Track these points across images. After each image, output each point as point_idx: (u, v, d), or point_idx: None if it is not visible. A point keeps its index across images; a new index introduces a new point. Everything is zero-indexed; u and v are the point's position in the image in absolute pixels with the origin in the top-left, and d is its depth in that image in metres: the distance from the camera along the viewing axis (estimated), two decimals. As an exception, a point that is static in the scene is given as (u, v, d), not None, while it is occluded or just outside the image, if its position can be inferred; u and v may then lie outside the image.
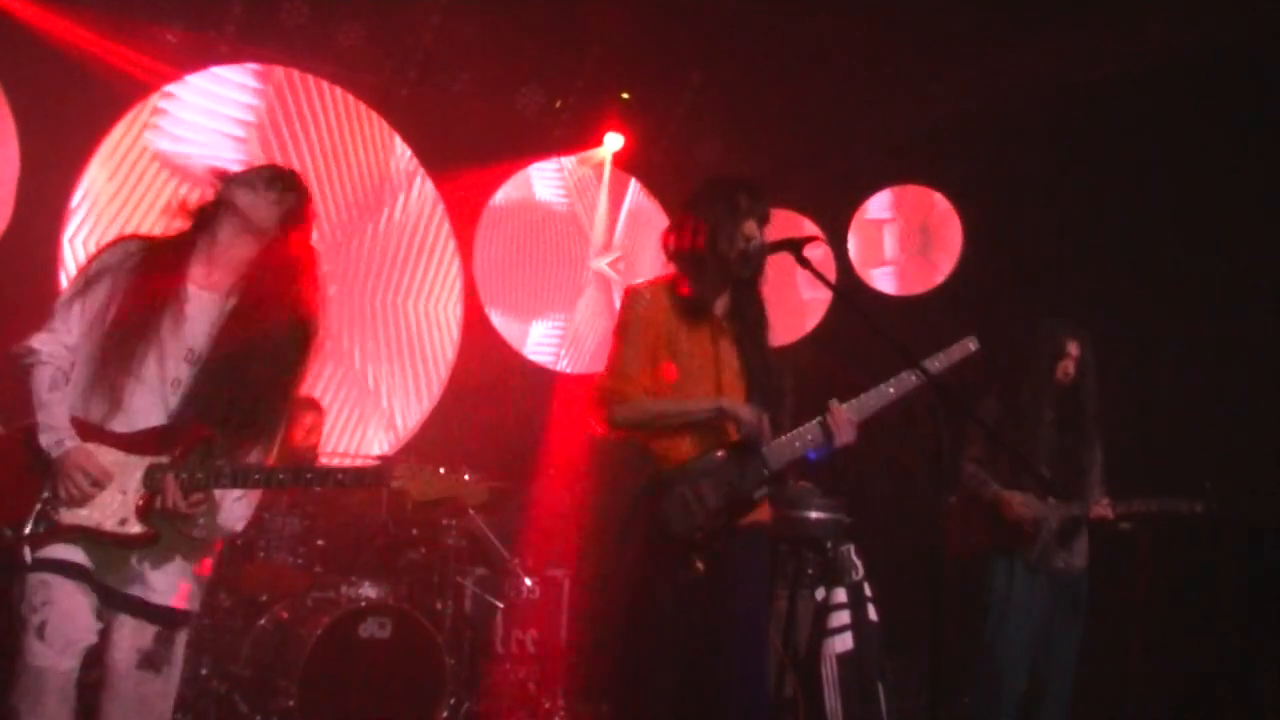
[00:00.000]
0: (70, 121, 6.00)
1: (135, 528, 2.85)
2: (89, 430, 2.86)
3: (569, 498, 6.48)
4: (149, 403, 2.90)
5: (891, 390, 3.37)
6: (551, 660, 6.19)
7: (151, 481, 2.87)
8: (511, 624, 6.13)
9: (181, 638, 3.00)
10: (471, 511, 5.82)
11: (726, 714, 3.28)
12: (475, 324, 7.45)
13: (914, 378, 3.30)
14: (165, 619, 2.94)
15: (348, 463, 6.39)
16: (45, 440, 2.82)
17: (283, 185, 3.08)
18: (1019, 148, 6.82)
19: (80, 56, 5.98)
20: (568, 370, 7.77)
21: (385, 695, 5.03)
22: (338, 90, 6.95)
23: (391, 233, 7.20)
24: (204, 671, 4.98)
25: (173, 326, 2.91)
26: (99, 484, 2.83)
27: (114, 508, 2.84)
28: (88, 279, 2.96)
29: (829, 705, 4.91)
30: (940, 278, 7.51)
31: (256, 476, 2.93)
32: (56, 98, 5.92)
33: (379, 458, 6.37)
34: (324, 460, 6.19)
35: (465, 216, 7.49)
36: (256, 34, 6.49)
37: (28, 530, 2.80)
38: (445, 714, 5.20)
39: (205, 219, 3.03)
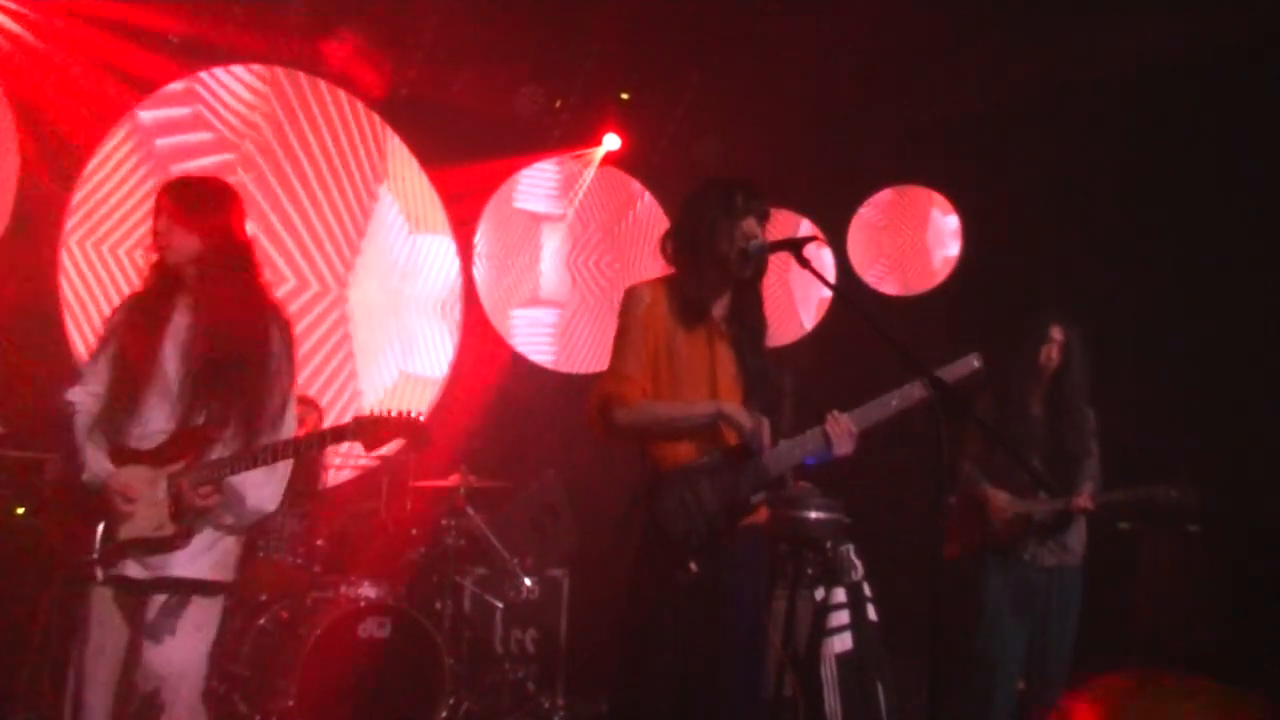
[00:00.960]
0: (70, 122, 6.00)
1: (169, 529, 3.22)
2: (125, 454, 3.24)
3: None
4: (160, 418, 3.25)
5: (894, 402, 3.36)
6: (551, 660, 6.20)
7: (171, 487, 3.22)
8: (511, 624, 6.13)
9: (194, 607, 3.28)
10: (471, 511, 5.83)
11: (723, 713, 3.28)
12: (475, 324, 7.46)
13: (916, 392, 3.29)
14: (172, 587, 3.25)
15: (351, 461, 6.39)
16: (87, 479, 3.23)
17: (195, 210, 3.32)
18: (1019, 148, 6.82)
19: (80, 58, 5.98)
20: (566, 370, 7.78)
21: (385, 695, 5.03)
22: (338, 90, 6.95)
23: (390, 233, 7.20)
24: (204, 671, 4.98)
25: (168, 349, 3.27)
26: (133, 500, 3.19)
27: (151, 517, 3.21)
28: (105, 334, 3.38)
29: (829, 705, 4.91)
30: (940, 278, 7.51)
31: (241, 459, 3.22)
32: (56, 99, 5.92)
33: (379, 458, 6.37)
34: (334, 471, 6.21)
35: (465, 216, 7.50)
36: (256, 34, 6.49)
37: (96, 553, 3.20)
38: (445, 714, 5.20)
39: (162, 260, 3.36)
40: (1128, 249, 6.36)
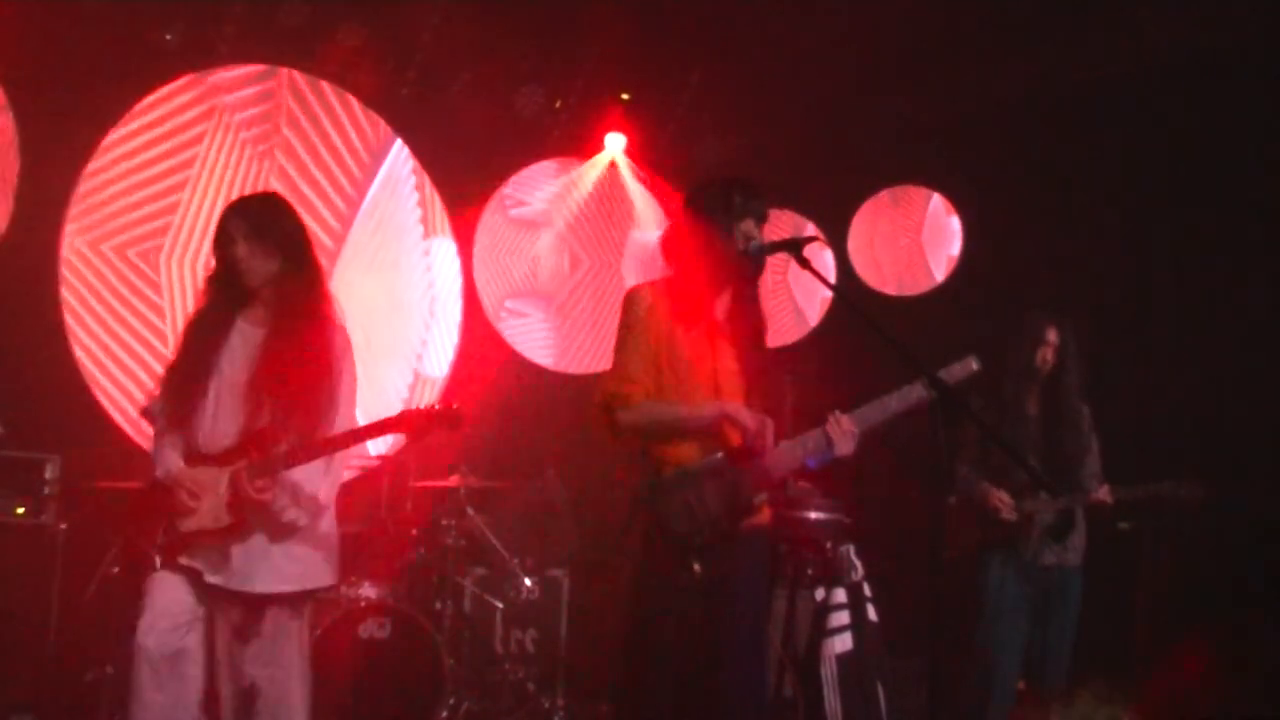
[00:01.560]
0: (70, 121, 6.00)
1: (226, 520, 3.39)
2: (195, 458, 3.44)
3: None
4: (229, 423, 3.43)
5: (894, 403, 3.37)
6: (551, 660, 6.20)
7: (232, 481, 3.38)
8: (511, 624, 6.13)
9: (281, 619, 3.49)
10: (471, 511, 5.83)
11: (724, 714, 3.28)
12: (475, 324, 7.45)
13: (916, 393, 3.30)
14: (255, 603, 3.45)
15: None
16: (160, 475, 3.47)
17: (273, 233, 3.49)
18: (1019, 148, 6.82)
19: (80, 57, 5.98)
20: (567, 370, 7.77)
21: (385, 695, 5.04)
22: (338, 90, 6.95)
23: (390, 233, 7.20)
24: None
25: (229, 359, 3.46)
26: (197, 495, 3.38)
27: (212, 511, 3.40)
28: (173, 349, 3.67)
29: (829, 705, 4.91)
30: (940, 278, 7.51)
31: (297, 452, 3.38)
32: (56, 98, 5.92)
33: (380, 457, 6.38)
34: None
35: (465, 216, 7.49)
36: (256, 34, 6.49)
37: (159, 542, 3.43)
38: (445, 714, 5.20)
39: (219, 275, 3.54)
40: (1128, 249, 6.36)
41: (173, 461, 3.46)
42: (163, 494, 3.45)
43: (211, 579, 3.40)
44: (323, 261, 3.71)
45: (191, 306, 3.70)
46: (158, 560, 3.42)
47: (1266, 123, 5.87)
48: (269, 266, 3.46)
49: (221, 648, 3.46)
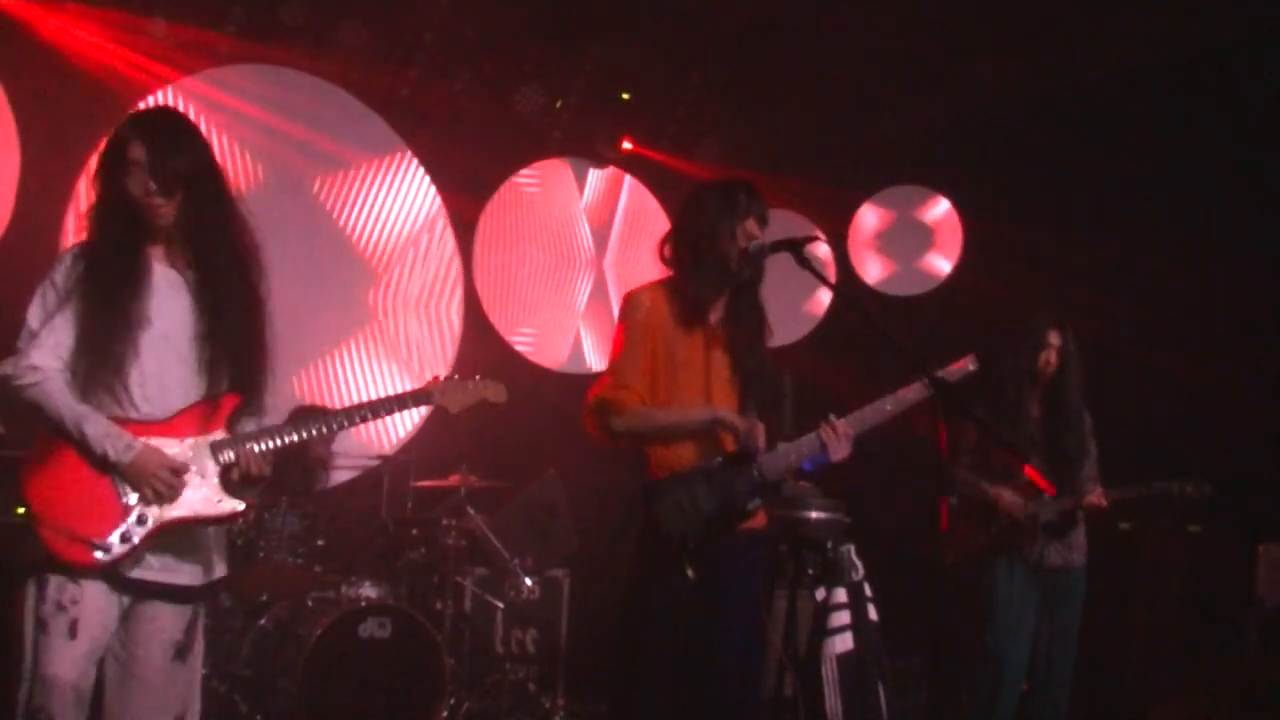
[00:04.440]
0: (70, 121, 6.00)
1: (230, 505, 2.93)
2: (132, 427, 2.85)
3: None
4: (177, 385, 2.92)
5: (890, 406, 3.37)
6: (552, 660, 6.20)
7: (221, 456, 2.93)
8: (511, 624, 6.13)
9: (202, 618, 3.03)
10: (471, 511, 5.83)
11: (722, 715, 3.28)
12: (475, 324, 7.45)
13: (912, 395, 3.30)
14: (190, 599, 2.96)
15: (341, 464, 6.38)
16: (111, 449, 2.79)
17: (182, 159, 2.92)
18: (1019, 149, 6.83)
19: (80, 57, 5.98)
20: (568, 371, 7.77)
21: (385, 695, 5.03)
22: (338, 90, 6.95)
23: (391, 233, 7.20)
24: (204, 671, 4.97)
25: (157, 309, 2.91)
26: (180, 475, 2.86)
27: (204, 492, 2.90)
28: (62, 291, 2.91)
29: (829, 705, 4.91)
30: (940, 278, 7.51)
31: (319, 427, 3.04)
32: (57, 98, 5.92)
33: (379, 457, 6.37)
34: (334, 471, 6.21)
35: (465, 216, 7.49)
36: (256, 34, 6.49)
37: (126, 542, 2.80)
38: (445, 714, 5.20)
39: (120, 209, 2.93)
40: (1128, 249, 6.36)
41: (120, 438, 2.79)
42: (108, 478, 2.80)
43: (134, 574, 2.84)
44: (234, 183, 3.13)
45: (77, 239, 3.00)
46: (92, 554, 2.74)
47: (1267, 122, 5.87)
48: (171, 203, 2.90)
49: (157, 656, 2.91)
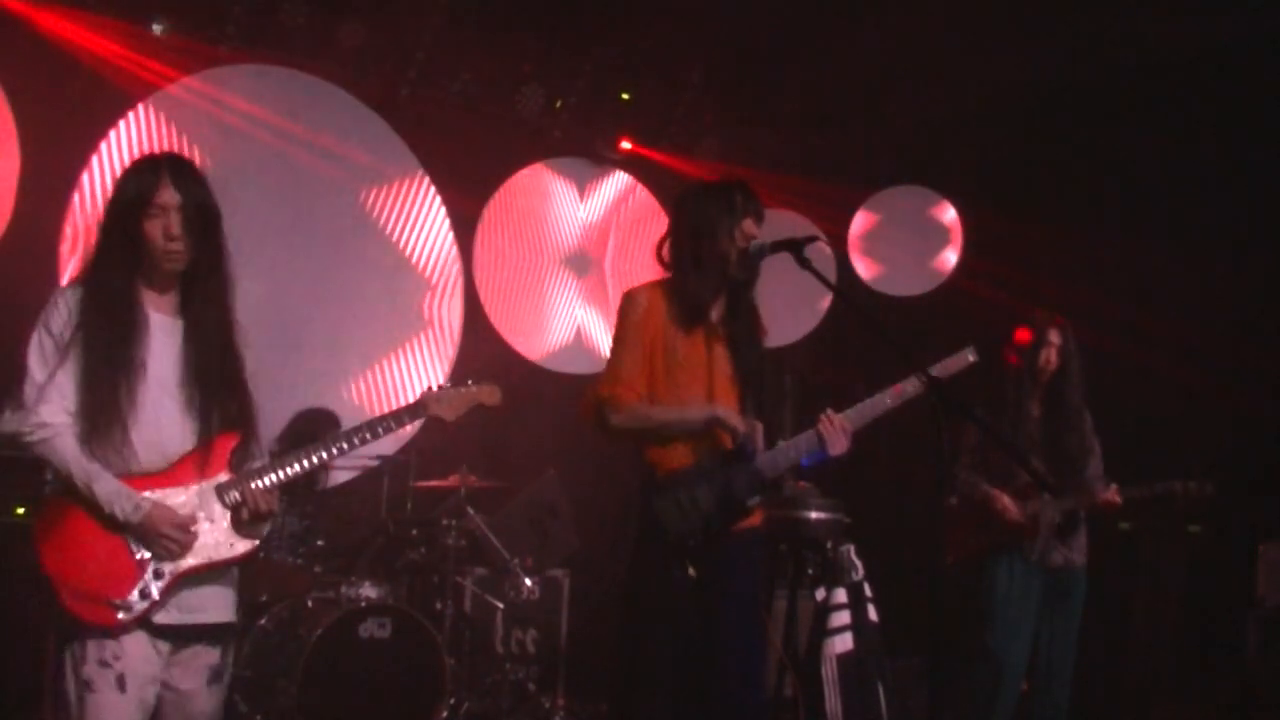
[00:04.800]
0: (70, 121, 6.00)
1: (244, 545, 2.96)
2: (135, 482, 2.86)
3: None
4: (175, 431, 2.93)
5: (888, 400, 3.37)
6: (552, 660, 6.20)
7: (227, 499, 2.96)
8: (511, 624, 6.13)
9: (232, 644, 3.10)
10: (471, 511, 5.83)
11: (721, 715, 3.28)
12: (475, 324, 7.45)
13: (910, 387, 3.31)
14: (226, 635, 3.03)
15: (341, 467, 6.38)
16: (120, 509, 2.80)
17: (205, 210, 2.95)
18: (1019, 149, 6.83)
19: (80, 57, 5.98)
20: (568, 371, 7.77)
21: (385, 695, 5.03)
22: (338, 90, 6.94)
23: (391, 233, 7.20)
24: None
25: (153, 356, 2.91)
26: (189, 527, 2.88)
27: (215, 538, 2.93)
28: (59, 338, 2.88)
29: (829, 705, 4.91)
30: (940, 279, 7.51)
31: (320, 454, 3.05)
32: (56, 98, 5.92)
33: (379, 457, 6.37)
34: (334, 471, 6.22)
35: (465, 216, 7.49)
36: (256, 34, 6.49)
37: (146, 598, 2.82)
38: (445, 714, 5.20)
39: (126, 254, 2.94)
40: (1128, 249, 6.36)
41: (128, 495, 2.81)
42: (120, 536, 2.81)
43: (174, 620, 2.88)
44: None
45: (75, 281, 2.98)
46: (115, 615, 2.75)
47: (1268, 121, 5.87)
48: (191, 251, 2.92)
49: (198, 688, 2.95)
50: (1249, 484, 5.47)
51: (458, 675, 5.46)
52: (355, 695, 4.97)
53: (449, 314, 7.39)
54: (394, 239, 7.21)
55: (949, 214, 7.53)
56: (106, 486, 2.80)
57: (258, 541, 2.98)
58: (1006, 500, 4.58)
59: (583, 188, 8.00)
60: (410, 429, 6.92)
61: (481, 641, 5.97)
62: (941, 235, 7.56)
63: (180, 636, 2.90)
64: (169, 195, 2.89)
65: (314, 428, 5.99)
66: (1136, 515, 5.23)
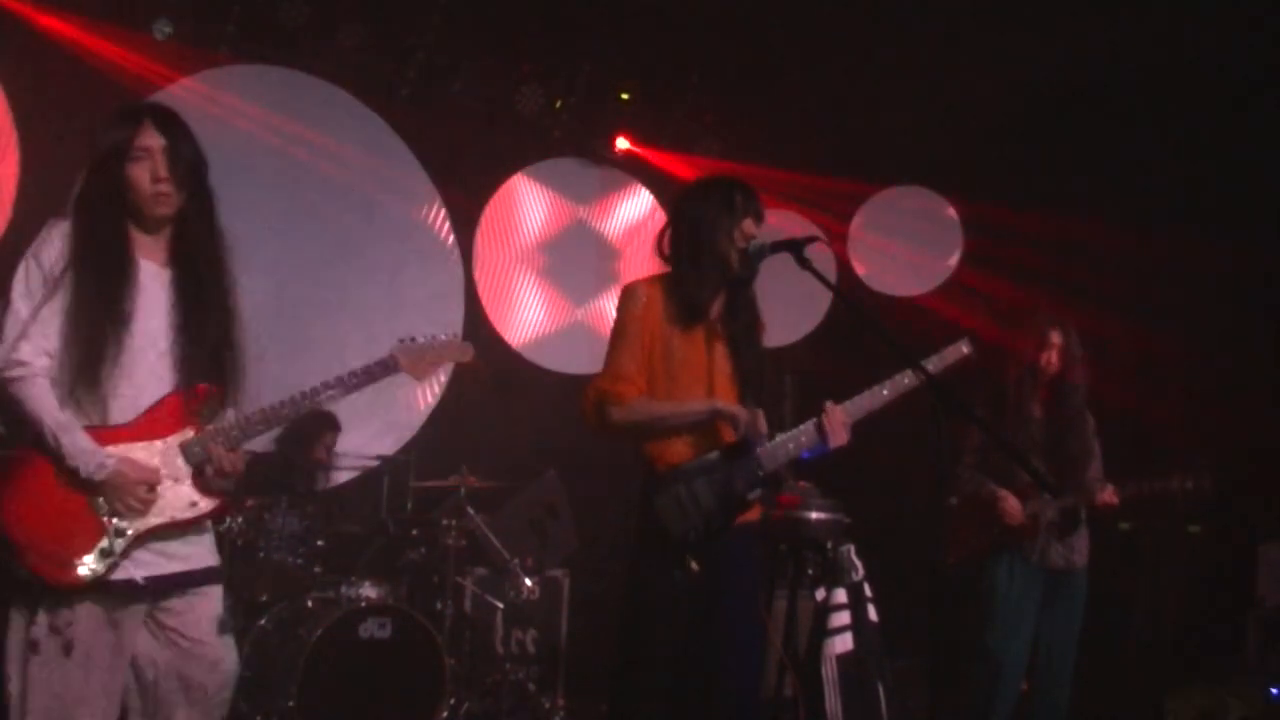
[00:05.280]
0: (70, 122, 6.00)
1: (208, 504, 2.90)
2: (100, 435, 2.79)
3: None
4: (143, 383, 2.85)
5: (885, 391, 3.38)
6: (552, 660, 6.20)
7: (193, 456, 2.89)
8: (511, 624, 6.13)
9: (219, 597, 3.02)
10: (471, 511, 5.83)
11: (721, 714, 3.28)
12: (475, 324, 7.45)
13: (908, 379, 3.31)
14: (212, 579, 2.97)
15: (343, 467, 6.39)
16: (84, 466, 2.74)
17: (189, 154, 2.92)
18: (1019, 148, 6.83)
19: (80, 57, 5.98)
20: (568, 371, 7.77)
21: (385, 695, 5.03)
22: (338, 90, 6.95)
23: (391, 232, 7.20)
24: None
25: (140, 305, 2.86)
26: (155, 487, 2.82)
27: (178, 495, 2.86)
28: (49, 273, 2.81)
29: (829, 705, 4.91)
30: (940, 279, 7.51)
31: (283, 410, 2.98)
32: (56, 98, 5.92)
33: (379, 457, 6.38)
34: (334, 471, 6.22)
35: (465, 216, 7.50)
36: (256, 34, 6.50)
37: (107, 556, 2.75)
38: (445, 714, 5.20)
39: (114, 199, 2.90)
40: (1128, 249, 6.36)
41: (94, 450, 2.75)
42: (85, 492, 2.75)
43: (150, 572, 2.82)
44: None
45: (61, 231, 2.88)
46: (76, 573, 2.69)
47: (1269, 120, 5.87)
48: (180, 196, 2.89)
49: (208, 635, 2.91)
50: (1249, 484, 5.47)
51: (458, 675, 5.46)
52: (355, 695, 4.97)
53: (449, 314, 7.39)
54: (394, 239, 7.21)
55: (949, 214, 7.53)
56: (75, 441, 2.74)
57: (218, 502, 2.92)
58: (1013, 500, 4.57)
59: (583, 188, 7.99)
60: (413, 429, 7.00)
61: (481, 641, 5.97)
62: (942, 235, 7.56)
63: (162, 587, 2.85)
64: (152, 138, 2.87)
65: (314, 428, 6.00)
66: (1136, 515, 5.23)
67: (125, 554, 2.78)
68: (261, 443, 5.84)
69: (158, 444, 2.85)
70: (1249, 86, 6.00)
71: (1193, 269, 6.11)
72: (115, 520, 2.78)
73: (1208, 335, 6.04)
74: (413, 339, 3.21)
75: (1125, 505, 4.60)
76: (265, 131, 6.64)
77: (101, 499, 2.78)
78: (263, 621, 5.13)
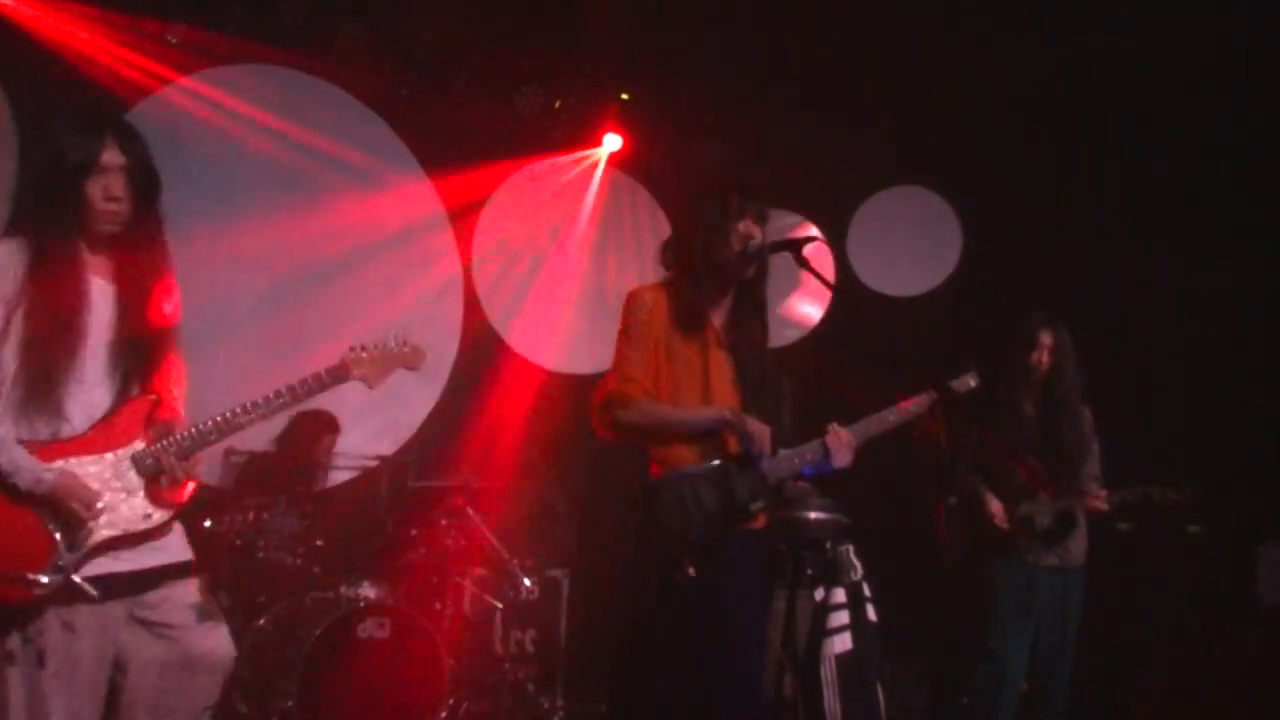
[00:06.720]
0: (69, 121, 5.99)
1: (161, 514, 2.89)
2: (47, 451, 2.79)
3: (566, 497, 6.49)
4: (93, 398, 2.87)
5: (893, 417, 3.42)
6: (551, 660, 6.20)
7: (144, 468, 2.89)
8: (511, 624, 6.13)
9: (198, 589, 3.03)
10: (471, 511, 5.83)
11: (720, 714, 3.28)
12: (475, 324, 7.45)
13: (914, 407, 3.35)
14: (187, 573, 2.98)
15: (342, 467, 6.38)
16: (22, 481, 2.75)
17: (144, 169, 2.93)
18: (1019, 148, 6.83)
19: (80, 57, 5.98)
20: (567, 371, 7.77)
21: (385, 695, 5.03)
22: (338, 90, 6.94)
23: (391, 232, 7.19)
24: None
25: (91, 320, 2.87)
26: (94, 505, 2.80)
27: (131, 508, 2.86)
28: (2, 300, 2.81)
29: (828, 705, 4.92)
30: (939, 279, 7.51)
31: (239, 419, 2.96)
32: (57, 98, 5.92)
33: (379, 457, 6.37)
34: (334, 471, 6.21)
35: (464, 216, 7.49)
36: (256, 34, 6.49)
37: (61, 571, 2.75)
38: (445, 714, 5.20)
39: (66, 215, 2.90)
40: (1128, 248, 6.36)
41: (35, 466, 2.75)
42: (33, 510, 2.75)
43: (120, 568, 2.83)
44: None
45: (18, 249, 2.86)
46: (30, 591, 2.70)
47: (1269, 120, 5.87)
48: (131, 215, 2.91)
49: (186, 625, 2.94)
50: (1248, 484, 5.47)
51: (457, 675, 5.46)
52: (355, 695, 4.97)
53: (448, 314, 7.39)
54: (393, 239, 7.21)
55: (947, 214, 7.53)
56: (13, 458, 2.75)
57: (171, 512, 2.91)
58: (996, 505, 4.59)
59: (582, 188, 7.99)
60: (412, 429, 6.99)
61: (481, 641, 5.96)
62: (939, 236, 7.56)
63: (122, 586, 2.84)
64: (113, 155, 2.88)
65: (313, 428, 6.00)
66: (1136, 516, 5.23)
67: (78, 567, 2.78)
68: (261, 443, 5.88)
69: (108, 457, 2.85)
70: (1250, 87, 6.00)
71: (1193, 267, 6.11)
72: (64, 535, 2.78)
73: (1208, 335, 6.03)
74: (363, 347, 3.20)
75: (1119, 509, 4.61)
76: (264, 132, 6.64)
77: (48, 513, 2.78)
78: (262, 621, 5.13)
